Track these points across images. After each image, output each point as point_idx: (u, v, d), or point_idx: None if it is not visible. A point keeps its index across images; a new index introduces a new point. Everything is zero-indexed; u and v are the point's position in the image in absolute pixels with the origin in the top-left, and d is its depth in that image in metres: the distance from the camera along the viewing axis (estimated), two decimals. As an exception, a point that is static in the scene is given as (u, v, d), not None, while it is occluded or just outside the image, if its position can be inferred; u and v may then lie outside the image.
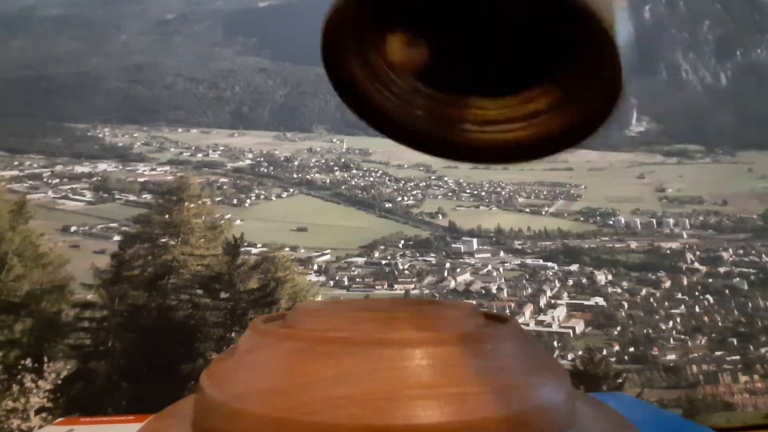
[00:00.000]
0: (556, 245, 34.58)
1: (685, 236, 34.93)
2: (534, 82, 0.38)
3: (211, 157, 48.55)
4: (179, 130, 55.03)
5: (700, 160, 47.83)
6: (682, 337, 25.08)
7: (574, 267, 31.56)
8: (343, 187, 44.29)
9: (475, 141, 0.40)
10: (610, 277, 30.52)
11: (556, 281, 30.20)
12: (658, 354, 23.79)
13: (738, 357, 22.38)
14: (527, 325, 24.73)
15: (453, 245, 34.91)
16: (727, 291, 28.40)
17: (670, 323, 26.21)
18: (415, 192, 43.33)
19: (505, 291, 29.21)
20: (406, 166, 48.23)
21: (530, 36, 0.37)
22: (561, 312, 27.31)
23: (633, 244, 34.28)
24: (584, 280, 30.32)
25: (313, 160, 48.27)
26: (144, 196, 37.24)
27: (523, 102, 0.38)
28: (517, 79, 0.38)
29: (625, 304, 28.08)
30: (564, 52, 0.35)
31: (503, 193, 43.06)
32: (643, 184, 43.77)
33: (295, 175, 45.90)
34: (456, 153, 0.40)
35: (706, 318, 26.53)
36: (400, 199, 42.39)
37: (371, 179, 45.45)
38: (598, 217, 38.28)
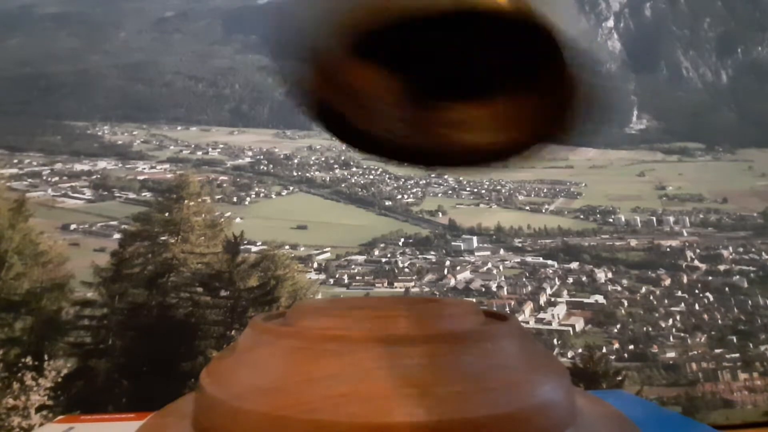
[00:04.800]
0: (556, 243, 34.58)
1: (685, 234, 34.93)
2: (502, 90, 0.39)
3: (211, 155, 48.52)
4: (179, 128, 54.95)
5: (701, 157, 47.82)
6: (682, 334, 25.09)
7: (574, 265, 31.56)
8: (343, 185, 44.27)
9: (450, 144, 0.40)
10: (610, 275, 30.53)
11: (556, 279, 30.19)
12: (658, 352, 23.81)
13: (737, 355, 22.39)
14: (527, 323, 24.73)
15: (453, 243, 34.90)
16: (726, 289, 28.40)
17: (670, 321, 26.22)
18: (415, 190, 43.30)
19: (505, 289, 29.21)
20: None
21: (497, 50, 0.38)
22: (561, 310, 27.31)
23: (633, 242, 34.29)
24: (584, 278, 30.33)
25: (313, 158, 48.22)
26: (144, 194, 37.20)
27: (480, 107, 0.40)
28: (487, 86, 0.39)
29: (625, 302, 28.09)
30: (528, 68, 0.37)
31: (503, 191, 43.04)
32: (643, 181, 43.77)
33: (294, 173, 45.86)
34: (433, 158, 0.41)
35: (705, 316, 26.54)
36: (400, 197, 42.37)
37: (371, 177, 45.41)
38: (598, 215, 38.28)
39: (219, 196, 38.43)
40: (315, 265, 31.74)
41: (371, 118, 0.40)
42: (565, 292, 29.07)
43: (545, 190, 43.21)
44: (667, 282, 29.45)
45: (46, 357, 9.17)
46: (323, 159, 48.23)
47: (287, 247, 29.48)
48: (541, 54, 0.36)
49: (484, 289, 28.99)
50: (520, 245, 34.83)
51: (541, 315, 26.82)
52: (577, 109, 0.36)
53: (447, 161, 0.41)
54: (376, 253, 33.93)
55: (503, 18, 0.34)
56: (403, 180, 44.78)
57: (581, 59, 0.34)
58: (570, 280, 30.25)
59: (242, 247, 11.98)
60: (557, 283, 29.84)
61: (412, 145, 0.40)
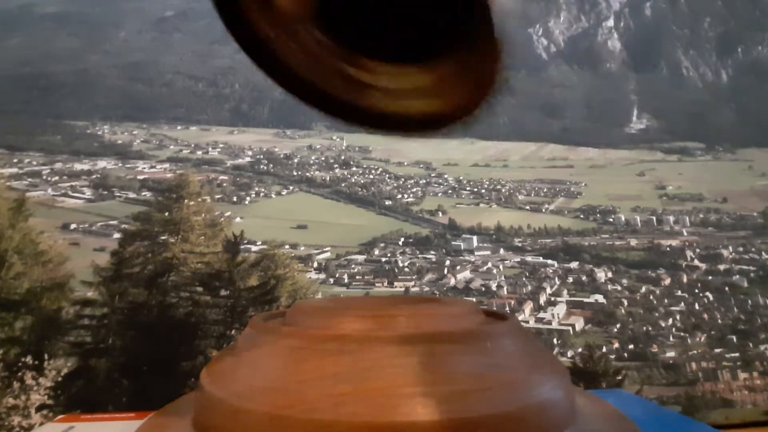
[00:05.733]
0: (556, 243, 34.58)
1: (685, 234, 34.95)
2: (432, 54, 0.40)
3: (211, 154, 48.52)
4: (179, 127, 54.96)
5: (701, 157, 47.84)
6: (682, 334, 25.10)
7: (574, 264, 31.56)
8: (343, 185, 44.27)
9: (382, 108, 0.41)
10: (609, 274, 30.53)
11: (556, 279, 30.20)
12: (658, 351, 23.82)
13: (737, 354, 22.40)
14: (527, 322, 24.74)
15: (453, 243, 34.91)
16: (726, 288, 28.41)
17: (670, 320, 26.23)
18: (415, 189, 43.31)
19: (505, 288, 29.21)
20: (406, 163, 48.23)
21: (426, 9, 0.39)
22: (561, 309, 27.32)
23: (633, 242, 34.30)
24: (584, 278, 30.33)
25: (313, 158, 48.23)
26: (144, 193, 37.22)
27: (424, 73, 0.40)
28: (418, 49, 0.40)
29: (625, 302, 28.09)
30: (456, 30, 0.38)
31: (503, 190, 43.04)
32: (643, 181, 43.79)
33: (294, 173, 45.86)
34: (363, 119, 0.42)
35: (705, 315, 26.54)
36: (400, 196, 42.37)
37: (371, 177, 45.42)
38: (598, 215, 38.29)
39: (219, 196, 38.45)
40: (315, 264, 31.75)
41: (311, 67, 0.41)
42: (565, 292, 29.07)
43: (545, 190, 43.21)
44: (667, 282, 29.46)
45: (46, 356, 9.18)
46: (323, 158, 48.24)
47: (287, 246, 29.49)
48: (469, 13, 0.36)
49: (484, 289, 29.00)
50: (520, 245, 34.84)
51: (541, 314, 26.82)
52: (504, 68, 0.36)
53: (390, 125, 0.41)
54: (376, 252, 33.94)
55: None
56: (403, 180, 44.80)
57: (501, 18, 0.35)
58: (570, 279, 30.25)
59: (242, 247, 11.97)
60: (557, 282, 29.84)
61: (353, 105, 0.41)
